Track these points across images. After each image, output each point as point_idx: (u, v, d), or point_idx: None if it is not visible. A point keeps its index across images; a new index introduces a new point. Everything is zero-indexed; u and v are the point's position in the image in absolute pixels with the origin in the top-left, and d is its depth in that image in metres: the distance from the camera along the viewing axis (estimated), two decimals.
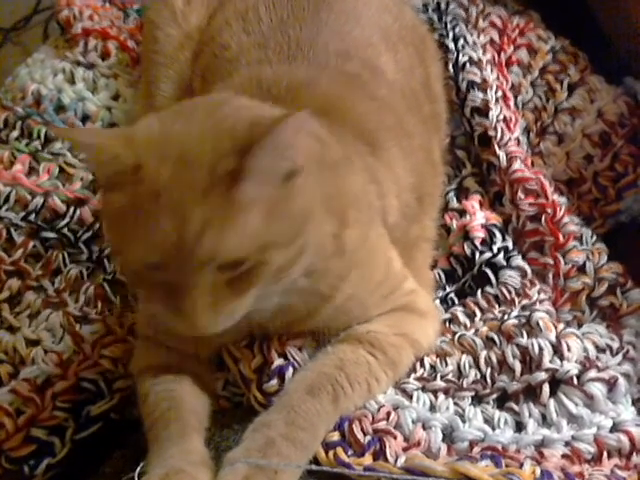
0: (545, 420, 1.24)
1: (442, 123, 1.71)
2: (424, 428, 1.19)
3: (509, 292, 1.46)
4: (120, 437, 1.33)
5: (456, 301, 1.50)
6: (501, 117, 1.66)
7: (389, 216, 1.36)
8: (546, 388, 1.26)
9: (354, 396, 1.21)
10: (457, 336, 1.38)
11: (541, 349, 1.29)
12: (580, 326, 1.42)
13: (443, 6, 1.91)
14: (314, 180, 1.09)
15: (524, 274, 1.50)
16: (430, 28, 1.84)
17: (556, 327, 1.34)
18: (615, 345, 1.36)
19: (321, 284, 1.18)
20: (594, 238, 1.54)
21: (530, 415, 1.24)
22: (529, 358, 1.30)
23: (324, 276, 1.17)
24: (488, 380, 1.30)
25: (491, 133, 1.64)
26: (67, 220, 1.59)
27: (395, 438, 1.17)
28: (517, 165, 1.59)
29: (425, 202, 1.50)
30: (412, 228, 1.45)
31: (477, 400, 1.29)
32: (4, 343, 1.45)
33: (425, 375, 1.32)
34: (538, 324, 1.34)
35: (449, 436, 1.20)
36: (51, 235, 1.58)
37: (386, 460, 1.12)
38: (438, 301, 1.49)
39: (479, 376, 1.31)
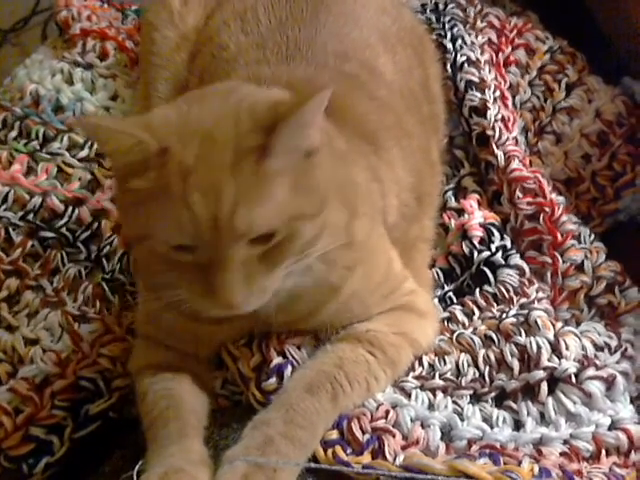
0: (543, 418, 1.24)
1: (440, 123, 1.71)
2: (423, 427, 1.20)
3: (507, 291, 1.46)
4: (119, 436, 1.34)
5: (454, 300, 1.50)
6: (499, 117, 1.66)
7: (389, 216, 1.37)
8: (544, 386, 1.26)
9: (353, 395, 1.21)
10: (455, 335, 1.38)
11: (539, 347, 1.29)
12: (578, 324, 1.42)
13: (441, 7, 1.92)
14: (329, 162, 1.12)
15: (522, 273, 1.50)
16: (428, 28, 1.84)
17: (554, 325, 1.34)
18: (613, 343, 1.36)
19: (332, 273, 1.19)
20: (592, 237, 1.54)
21: (528, 413, 1.24)
22: (527, 356, 1.30)
23: (335, 264, 1.18)
24: (486, 379, 1.31)
25: (489, 133, 1.64)
26: (65, 220, 1.59)
27: (394, 436, 1.17)
28: (515, 164, 1.59)
29: (424, 202, 1.50)
30: (411, 228, 1.46)
31: (475, 399, 1.29)
32: (3, 342, 1.45)
33: (424, 374, 1.32)
34: (536, 323, 1.34)
35: (447, 434, 1.20)
36: (49, 235, 1.58)
37: (385, 458, 1.12)
38: (436, 300, 1.49)
39: (477, 375, 1.31)
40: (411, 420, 1.20)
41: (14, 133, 1.72)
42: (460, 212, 1.59)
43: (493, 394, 1.28)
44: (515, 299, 1.45)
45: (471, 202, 1.60)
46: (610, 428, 1.21)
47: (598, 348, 1.34)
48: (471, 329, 1.40)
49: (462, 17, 1.88)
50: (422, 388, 1.28)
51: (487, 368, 1.31)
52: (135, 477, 1.09)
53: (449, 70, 1.76)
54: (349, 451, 1.14)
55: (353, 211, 1.20)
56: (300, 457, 1.10)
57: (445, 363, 1.33)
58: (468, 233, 1.54)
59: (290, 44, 1.47)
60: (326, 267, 1.17)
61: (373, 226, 1.29)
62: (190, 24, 1.70)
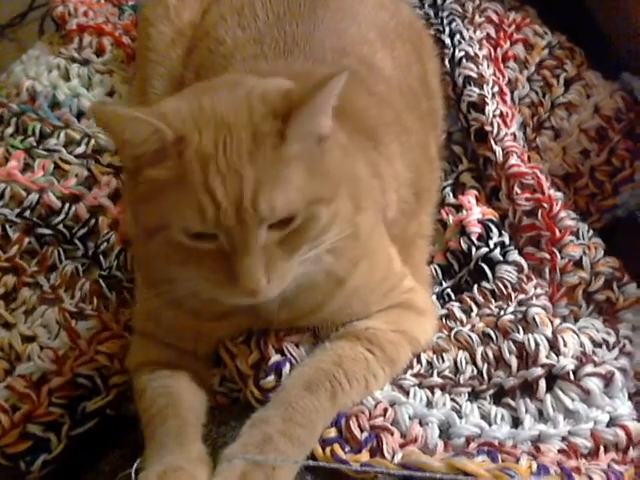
0: (542, 415, 1.24)
1: (439, 119, 1.71)
2: (421, 424, 1.20)
3: (505, 287, 1.46)
4: (117, 435, 1.34)
5: (452, 296, 1.50)
6: (497, 112, 1.66)
7: (388, 212, 1.37)
8: (542, 383, 1.26)
9: (352, 392, 1.21)
10: (453, 332, 1.38)
11: (537, 344, 1.29)
12: (577, 320, 1.42)
13: (439, 1, 1.92)
14: (337, 151, 1.14)
15: (520, 269, 1.50)
16: (426, 23, 1.84)
17: (552, 322, 1.34)
18: (611, 340, 1.36)
19: (339, 265, 1.19)
20: (590, 233, 1.54)
21: (527, 410, 1.24)
22: (525, 354, 1.30)
23: (341, 256, 1.19)
24: (484, 376, 1.31)
25: (487, 128, 1.64)
26: (62, 216, 1.58)
27: (392, 434, 1.17)
28: (513, 160, 1.59)
29: (422, 198, 1.50)
30: (410, 225, 1.46)
31: (474, 396, 1.29)
32: (0, 339, 1.45)
33: (422, 371, 1.32)
34: (534, 319, 1.34)
35: (446, 432, 1.20)
36: (46, 231, 1.57)
37: (383, 457, 1.12)
38: (435, 297, 1.49)
39: (475, 372, 1.31)
40: (409, 418, 1.20)
41: (10, 129, 1.72)
42: (458, 208, 1.59)
43: (491, 391, 1.28)
44: (513, 295, 1.45)
45: (469, 198, 1.59)
46: (608, 425, 1.21)
47: (596, 344, 1.34)
48: (469, 326, 1.40)
49: (460, 12, 1.87)
50: (420, 386, 1.28)
51: (485, 365, 1.31)
52: (133, 475, 1.09)
53: (447, 65, 1.76)
54: (347, 449, 1.14)
55: (357, 204, 1.21)
56: (299, 455, 1.10)
57: (443, 361, 1.33)
58: (466, 229, 1.54)
59: (288, 39, 1.47)
60: (333, 259, 1.17)
61: (375, 222, 1.30)
62: (186, 19, 1.70)
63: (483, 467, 1.06)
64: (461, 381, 1.30)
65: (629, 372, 1.32)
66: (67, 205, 1.59)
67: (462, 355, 1.33)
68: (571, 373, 1.26)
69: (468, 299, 1.47)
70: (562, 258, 1.49)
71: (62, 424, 1.35)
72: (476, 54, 1.76)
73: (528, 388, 1.27)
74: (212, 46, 1.56)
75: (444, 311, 1.45)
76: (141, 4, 1.86)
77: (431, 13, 1.89)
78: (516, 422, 1.24)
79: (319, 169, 1.08)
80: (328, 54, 1.46)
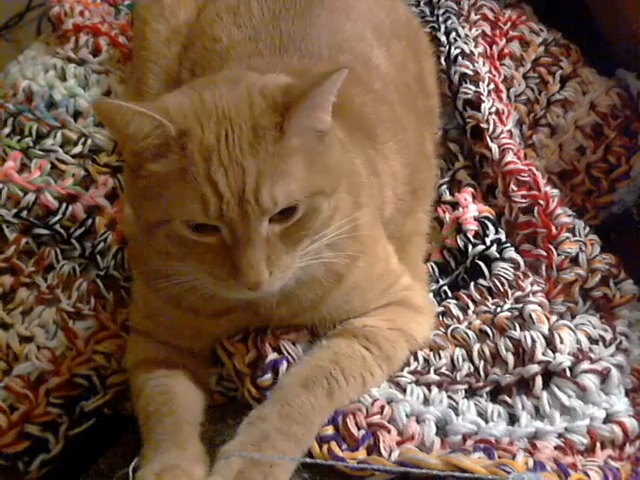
0: (538, 412, 1.24)
1: (435, 117, 1.71)
2: (418, 422, 1.20)
3: (502, 284, 1.46)
4: (115, 435, 1.34)
5: (449, 294, 1.50)
6: (493, 110, 1.66)
7: (385, 209, 1.38)
8: (539, 380, 1.26)
9: (349, 390, 1.21)
10: (450, 329, 1.38)
11: (534, 341, 1.30)
12: (573, 317, 1.42)
13: None
14: (337, 147, 1.15)
15: (517, 266, 1.50)
16: (422, 21, 1.84)
17: (549, 319, 1.35)
18: (608, 336, 1.37)
19: (338, 261, 1.20)
20: (587, 230, 1.54)
21: (523, 407, 1.25)
22: (522, 351, 1.30)
23: (341, 252, 1.19)
24: (481, 373, 1.31)
25: (483, 126, 1.64)
26: (59, 216, 1.58)
27: (389, 432, 1.17)
28: (509, 157, 1.59)
29: (419, 195, 1.50)
30: (406, 222, 1.46)
31: (470, 393, 1.29)
32: None
33: (419, 369, 1.32)
34: (531, 316, 1.34)
35: (443, 429, 1.20)
36: (43, 232, 1.57)
37: (380, 454, 1.13)
38: (431, 294, 1.49)
39: (472, 369, 1.32)
40: (406, 415, 1.20)
41: (7, 130, 1.71)
42: (455, 206, 1.59)
43: (488, 388, 1.29)
44: (510, 292, 1.45)
45: (466, 195, 1.59)
46: (605, 421, 1.22)
47: (593, 341, 1.34)
48: (466, 323, 1.40)
49: (456, 10, 1.87)
50: (417, 383, 1.29)
51: (482, 363, 1.32)
52: (131, 474, 1.09)
53: (443, 63, 1.75)
54: (344, 447, 1.15)
55: (356, 200, 1.22)
56: (296, 452, 1.11)
57: (440, 358, 1.34)
58: (463, 227, 1.54)
59: (283, 37, 1.48)
60: (333, 254, 1.18)
61: (374, 219, 1.31)
62: (181, 18, 1.70)
63: (479, 464, 1.06)
64: (458, 378, 1.30)
65: (625, 368, 1.32)
66: (64, 205, 1.59)
67: (459, 352, 1.34)
68: (567, 370, 1.26)
69: (465, 296, 1.47)
70: (558, 255, 1.50)
71: (60, 424, 1.36)
72: (472, 52, 1.76)
73: (524, 385, 1.28)
74: (208, 44, 1.56)
75: (441, 308, 1.45)
76: (137, 3, 1.86)
77: (427, 11, 1.89)
78: (513, 419, 1.24)
79: (319, 163, 1.09)
80: (324, 51, 1.46)
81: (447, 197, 1.61)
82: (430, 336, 1.37)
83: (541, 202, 1.54)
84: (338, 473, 1.11)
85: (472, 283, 1.49)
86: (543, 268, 1.50)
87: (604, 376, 1.27)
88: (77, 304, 1.49)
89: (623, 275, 1.47)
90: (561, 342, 1.29)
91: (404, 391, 1.26)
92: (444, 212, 1.58)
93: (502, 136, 1.63)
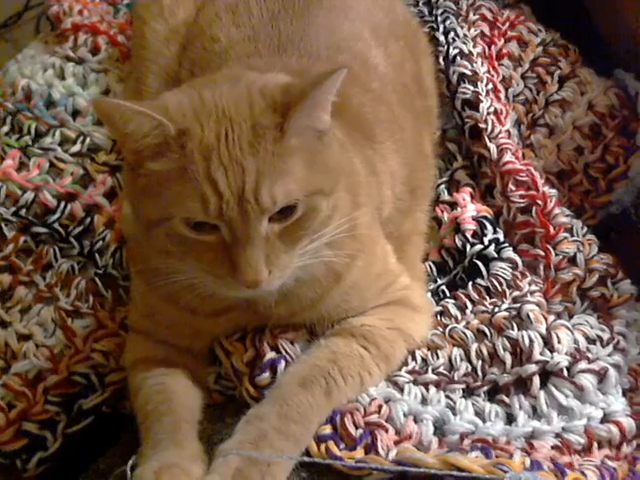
0: (536, 412, 1.25)
1: (433, 117, 1.71)
2: (415, 421, 1.20)
3: (500, 284, 1.47)
4: (113, 433, 1.34)
5: (447, 293, 1.50)
6: (492, 110, 1.66)
7: (384, 209, 1.38)
8: (536, 380, 1.27)
9: (347, 389, 1.21)
10: (448, 329, 1.38)
11: (531, 341, 1.30)
12: (571, 317, 1.42)
13: None
14: (336, 146, 1.16)
15: (515, 266, 1.50)
16: (420, 21, 1.84)
17: (546, 319, 1.35)
18: (606, 336, 1.37)
19: (337, 260, 1.20)
20: (585, 229, 1.54)
21: (520, 407, 1.25)
22: (519, 350, 1.30)
23: (340, 250, 1.19)
24: (479, 373, 1.31)
25: (482, 126, 1.64)
26: (58, 215, 1.58)
27: (387, 431, 1.17)
28: (508, 157, 1.59)
29: (417, 195, 1.51)
30: (405, 222, 1.46)
31: (468, 393, 1.29)
32: None
33: (417, 368, 1.32)
34: (528, 316, 1.35)
35: (440, 429, 1.21)
36: (42, 230, 1.57)
37: (377, 454, 1.13)
38: (429, 294, 1.49)
39: (470, 369, 1.32)
40: (404, 415, 1.20)
41: (6, 128, 1.71)
42: (453, 205, 1.59)
43: (485, 388, 1.29)
44: (508, 292, 1.45)
45: (464, 195, 1.60)
46: (602, 421, 1.22)
47: (590, 341, 1.35)
48: (464, 323, 1.40)
49: (454, 10, 1.87)
50: (415, 382, 1.29)
51: (480, 362, 1.32)
52: (129, 472, 1.09)
53: (441, 63, 1.76)
54: (342, 446, 1.15)
55: (355, 199, 1.22)
56: (294, 451, 1.11)
57: (438, 357, 1.34)
58: (461, 226, 1.54)
59: (282, 36, 1.48)
60: (332, 253, 1.18)
61: (372, 219, 1.31)
62: (180, 17, 1.70)
63: (477, 463, 1.06)
64: (455, 378, 1.30)
65: (623, 368, 1.32)
66: (62, 204, 1.59)
67: (456, 352, 1.34)
68: (565, 370, 1.27)
69: (463, 296, 1.47)
70: (556, 255, 1.50)
71: (58, 422, 1.36)
72: (470, 52, 1.76)
73: (522, 385, 1.28)
74: (207, 44, 1.56)
75: (439, 308, 1.45)
76: (135, 3, 1.86)
77: (425, 11, 1.89)
78: (510, 418, 1.24)
79: (319, 162, 1.09)
80: (322, 51, 1.46)
81: (445, 197, 1.61)
82: (428, 336, 1.37)
83: (539, 202, 1.54)
84: (336, 472, 1.12)
85: (470, 283, 1.49)
86: (541, 268, 1.50)
87: (601, 376, 1.27)
88: (75, 302, 1.50)
89: (621, 275, 1.47)
90: (559, 342, 1.29)
91: (402, 390, 1.27)
92: (442, 212, 1.58)
93: (500, 136, 1.63)
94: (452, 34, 1.79)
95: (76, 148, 1.68)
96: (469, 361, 1.33)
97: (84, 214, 1.60)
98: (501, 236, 1.54)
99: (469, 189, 1.62)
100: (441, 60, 1.76)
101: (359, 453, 1.13)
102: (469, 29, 1.83)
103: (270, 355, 1.24)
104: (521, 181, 1.57)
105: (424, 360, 1.34)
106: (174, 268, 1.13)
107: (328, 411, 1.19)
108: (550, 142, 1.70)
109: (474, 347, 1.34)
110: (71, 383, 1.39)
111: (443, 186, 1.63)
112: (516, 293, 1.44)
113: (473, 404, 1.25)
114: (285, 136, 1.05)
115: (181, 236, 1.07)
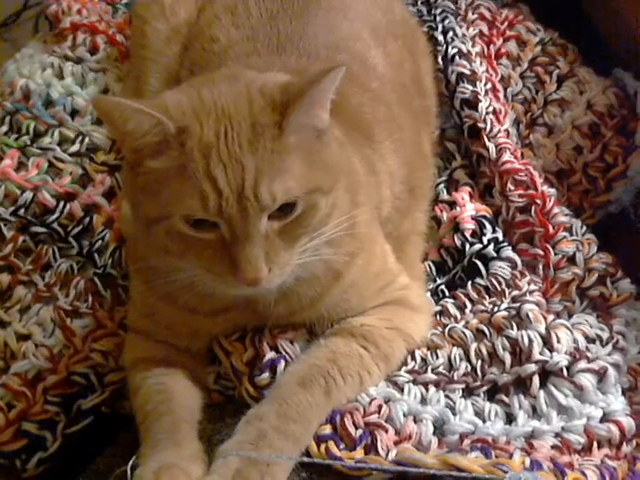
0: (535, 412, 1.25)
1: (432, 116, 1.71)
2: (415, 421, 1.20)
3: (499, 283, 1.47)
4: (113, 434, 1.34)
5: (446, 293, 1.50)
6: (490, 109, 1.66)
7: (383, 208, 1.38)
8: (536, 380, 1.27)
9: (346, 389, 1.21)
10: (447, 329, 1.38)
11: (531, 341, 1.30)
12: (570, 316, 1.42)
13: None
14: (335, 145, 1.16)
15: (514, 265, 1.50)
16: (419, 21, 1.84)
17: (546, 319, 1.35)
18: (605, 335, 1.37)
19: (337, 258, 1.20)
20: (584, 229, 1.54)
21: (520, 407, 1.25)
22: (519, 350, 1.31)
23: (339, 249, 1.19)
24: (478, 372, 1.31)
25: (480, 125, 1.64)
26: (57, 215, 1.58)
27: (386, 432, 1.17)
28: (507, 157, 1.59)
29: (416, 194, 1.51)
30: (404, 222, 1.46)
31: (468, 392, 1.29)
32: None
33: (416, 368, 1.32)
34: (528, 316, 1.35)
35: (440, 429, 1.21)
36: (41, 230, 1.57)
37: (377, 454, 1.13)
38: (429, 293, 1.49)
39: (469, 368, 1.32)
40: (404, 415, 1.20)
41: (4, 128, 1.71)
42: (452, 205, 1.59)
43: (485, 388, 1.29)
44: (507, 292, 1.45)
45: (463, 195, 1.60)
46: (602, 420, 1.22)
47: (590, 340, 1.35)
48: (463, 322, 1.40)
49: (453, 9, 1.87)
50: (415, 382, 1.29)
51: (479, 362, 1.32)
52: (129, 472, 1.09)
53: (440, 63, 1.76)
54: (342, 446, 1.15)
55: (354, 198, 1.22)
56: (293, 451, 1.11)
57: (437, 357, 1.34)
58: (460, 226, 1.54)
59: (281, 36, 1.48)
60: (332, 251, 1.18)
61: (371, 218, 1.31)
62: (181, 17, 1.70)
63: (477, 463, 1.06)
64: (455, 378, 1.30)
65: (622, 368, 1.32)
66: (61, 203, 1.59)
67: (456, 352, 1.34)
68: (564, 369, 1.27)
69: (462, 295, 1.47)
70: (556, 254, 1.50)
71: (57, 422, 1.36)
72: (469, 51, 1.76)
73: (522, 384, 1.28)
74: (206, 44, 1.56)
75: (438, 307, 1.46)
76: (134, 2, 1.86)
77: (424, 10, 1.89)
78: (510, 418, 1.24)
79: (317, 161, 1.09)
80: (321, 50, 1.46)
81: (444, 196, 1.61)
82: (427, 335, 1.37)
83: (538, 201, 1.54)
84: (336, 472, 1.12)
85: (469, 282, 1.49)
86: (540, 267, 1.50)
87: (601, 375, 1.27)
88: (74, 302, 1.50)
89: (620, 274, 1.47)
90: (558, 341, 1.29)
91: (401, 390, 1.27)
92: (441, 211, 1.58)
93: (499, 135, 1.63)
94: (451, 33, 1.79)
95: (75, 148, 1.68)
96: (468, 361, 1.33)
97: (83, 214, 1.60)
98: (500, 235, 1.54)
99: (468, 188, 1.62)
100: (440, 59, 1.76)
101: (359, 453, 1.13)
102: (468, 28, 1.84)
103: (270, 355, 1.24)
104: (520, 180, 1.57)
105: (423, 360, 1.34)
106: (173, 267, 1.14)
107: (327, 411, 1.19)
108: (549, 141, 1.70)
109: (473, 347, 1.34)
110: (70, 383, 1.38)
111: (442, 185, 1.63)
112: (515, 292, 1.44)
113: (473, 404, 1.26)
114: (284, 134, 1.05)
115: (181, 234, 1.07)
